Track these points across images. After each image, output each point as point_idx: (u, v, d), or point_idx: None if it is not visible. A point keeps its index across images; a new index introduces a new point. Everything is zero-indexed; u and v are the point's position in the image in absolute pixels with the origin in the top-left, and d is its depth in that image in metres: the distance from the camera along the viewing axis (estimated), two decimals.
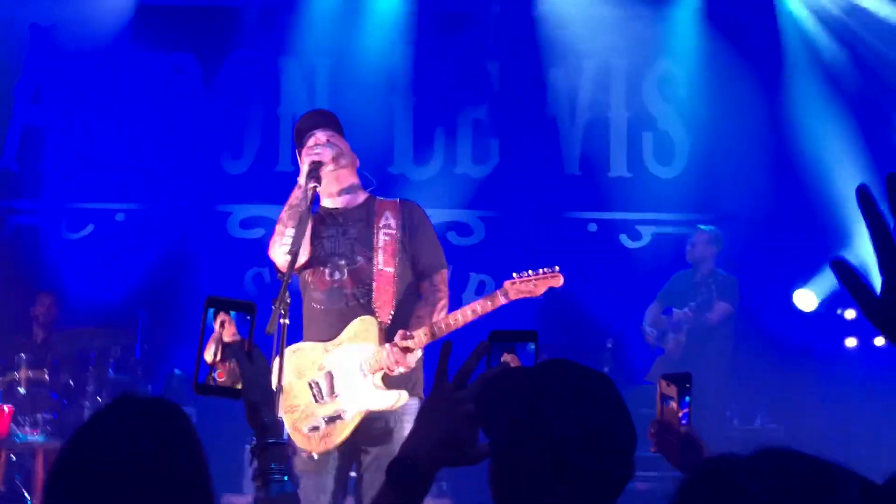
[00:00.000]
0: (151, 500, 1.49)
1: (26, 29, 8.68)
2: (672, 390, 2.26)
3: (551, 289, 3.89)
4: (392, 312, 3.92)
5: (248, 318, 1.94)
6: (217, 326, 1.90)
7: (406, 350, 3.78)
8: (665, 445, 2.26)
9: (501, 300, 3.83)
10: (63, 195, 8.51)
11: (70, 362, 7.18)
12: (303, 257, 3.91)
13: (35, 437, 5.48)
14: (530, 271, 3.85)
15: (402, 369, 3.82)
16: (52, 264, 8.32)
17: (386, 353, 3.80)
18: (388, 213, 4.04)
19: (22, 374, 6.78)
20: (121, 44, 8.49)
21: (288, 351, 3.79)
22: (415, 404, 3.91)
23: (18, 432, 5.42)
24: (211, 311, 1.93)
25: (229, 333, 1.91)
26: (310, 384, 3.87)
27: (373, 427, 3.86)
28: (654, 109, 8.49)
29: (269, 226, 7.78)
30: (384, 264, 3.94)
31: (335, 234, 4.02)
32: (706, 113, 8.29)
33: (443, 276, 4.04)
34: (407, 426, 3.86)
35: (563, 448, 1.55)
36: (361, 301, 3.91)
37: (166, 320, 7.64)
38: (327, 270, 3.97)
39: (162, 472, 1.51)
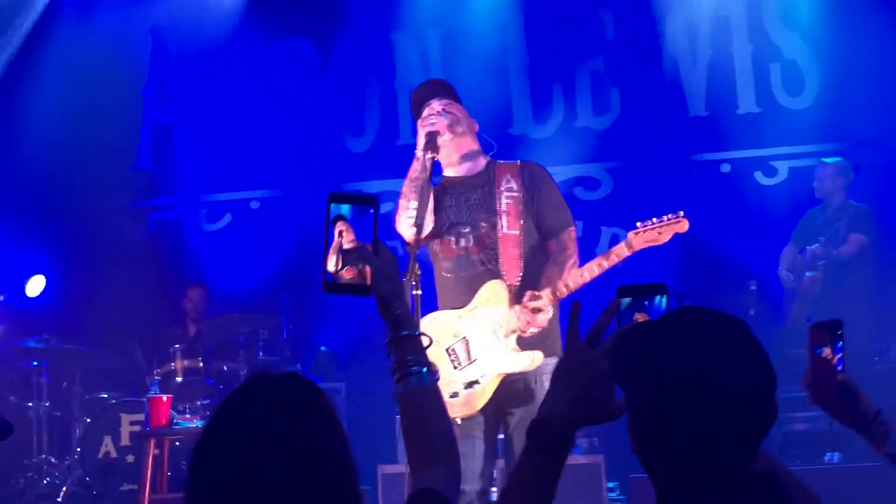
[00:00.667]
0: (289, 476, 1.46)
1: (147, 32, 9.04)
2: (823, 337, 2.19)
3: (683, 234, 3.84)
4: (520, 274, 3.91)
5: (371, 211, 1.88)
6: (336, 235, 1.86)
7: (535, 310, 3.78)
8: (820, 396, 2.18)
9: (627, 251, 3.79)
10: (198, 189, 8.85)
11: (222, 349, 7.47)
12: (428, 228, 3.94)
13: (195, 423, 5.74)
14: (654, 219, 3.81)
15: (534, 329, 3.81)
16: (195, 257, 8.67)
17: (516, 315, 3.81)
18: (508, 176, 4.02)
19: (178, 364, 7.09)
20: (237, 36, 8.74)
21: (424, 321, 3.84)
22: (552, 363, 3.89)
23: (179, 419, 5.69)
24: (333, 206, 1.87)
25: (349, 240, 1.86)
26: (447, 351, 3.91)
27: (514, 388, 3.88)
28: (779, 39, 8.21)
29: (396, 199, 7.95)
30: (508, 227, 3.93)
31: (457, 202, 4.03)
32: (834, 36, 7.97)
33: (570, 234, 4.00)
34: (547, 385, 3.88)
35: (699, 396, 1.54)
36: (489, 266, 3.92)
37: (308, 300, 7.86)
38: (453, 239, 3.98)
39: (296, 449, 1.48)
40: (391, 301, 1.89)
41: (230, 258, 8.58)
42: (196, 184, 8.84)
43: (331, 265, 1.86)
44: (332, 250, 1.86)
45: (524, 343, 3.87)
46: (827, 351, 2.18)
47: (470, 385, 3.84)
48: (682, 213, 3.83)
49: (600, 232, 8.19)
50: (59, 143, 8.58)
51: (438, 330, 3.89)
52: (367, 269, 1.86)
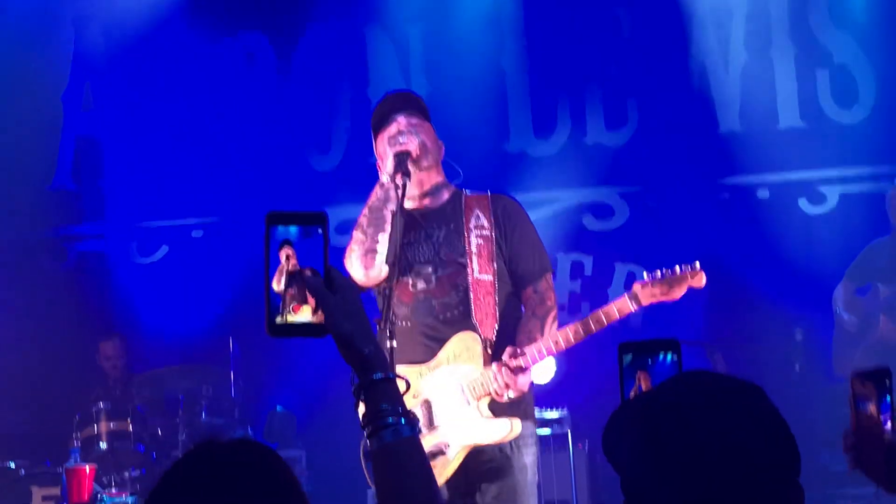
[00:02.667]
0: None
1: (69, 24, 9.04)
2: (869, 390, 2.20)
3: (711, 273, 3.92)
4: (496, 327, 3.97)
5: (320, 231, 1.86)
6: (283, 259, 1.84)
7: (518, 370, 3.82)
8: (864, 459, 2.20)
9: (631, 306, 3.87)
10: (129, 214, 8.85)
11: (156, 409, 7.45)
12: (383, 267, 3.96)
13: (122, 499, 5.74)
14: (666, 269, 3.89)
15: (512, 394, 3.85)
16: (124, 295, 8.66)
17: (493, 375, 3.84)
18: (478, 211, 4.11)
19: (102, 426, 7.07)
20: (179, 30, 8.76)
21: None
22: (530, 428, 3.98)
23: (104, 495, 5.70)
24: (274, 229, 1.86)
25: (294, 264, 1.84)
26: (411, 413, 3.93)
27: (487, 459, 3.91)
28: (828, 40, 8.33)
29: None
30: (480, 271, 3.99)
31: (417, 238, 4.07)
32: (893, 37, 8.11)
33: (549, 282, 4.10)
34: (526, 454, 3.94)
35: (708, 480, 1.54)
36: (454, 313, 3.97)
37: (261, 350, 7.86)
38: (410, 281, 4.01)
39: None
40: (355, 339, 1.87)
41: (167, 297, 8.57)
42: (126, 208, 8.84)
43: (276, 285, 1.85)
44: (277, 272, 1.85)
45: (495, 409, 3.90)
46: (872, 408, 2.19)
47: (432, 456, 3.83)
48: (698, 263, 3.92)
49: (614, 269, 8.25)
50: None
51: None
52: (319, 303, 1.85)
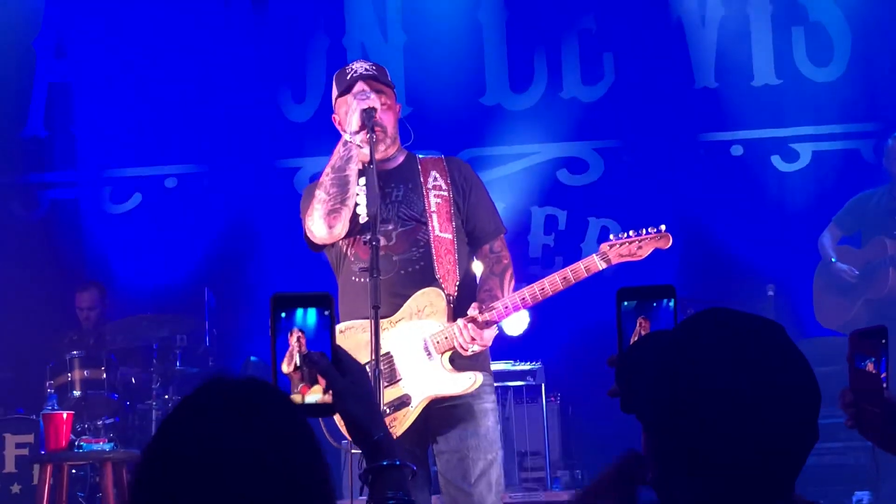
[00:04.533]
0: (269, 496, 1.47)
1: None
2: (867, 347, 2.17)
3: (686, 229, 4.01)
4: (457, 283, 4.06)
5: (326, 313, 1.92)
6: (293, 342, 1.89)
7: (485, 325, 3.92)
8: (862, 417, 2.17)
9: (600, 265, 3.96)
10: (102, 162, 8.79)
11: (129, 357, 7.49)
12: (346, 226, 4.02)
13: (101, 446, 5.76)
14: (632, 232, 3.99)
15: (476, 348, 3.93)
16: (97, 244, 8.62)
17: (458, 330, 3.91)
18: (434, 173, 4.18)
19: (75, 374, 7.08)
20: None
21: (337, 329, 3.91)
22: (488, 379, 4.07)
23: (82, 442, 5.72)
24: (280, 312, 1.91)
25: (303, 346, 1.89)
26: (366, 367, 4.03)
27: (447, 406, 3.99)
28: None
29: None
30: (441, 230, 4.07)
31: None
32: None
33: (502, 242, 4.22)
34: (486, 401, 4.03)
35: (736, 413, 1.56)
36: (415, 268, 4.04)
37: (236, 299, 7.89)
38: (369, 237, 4.00)
39: (276, 468, 1.49)
40: (366, 424, 1.91)
41: (140, 247, 8.54)
42: (99, 156, 8.79)
43: (286, 367, 1.89)
44: (285, 364, 1.89)
45: (456, 363, 3.99)
46: (870, 365, 2.16)
47: (393, 408, 3.93)
48: (664, 226, 4.00)
49: (587, 224, 8.30)
50: None
51: (355, 343, 3.92)
52: (330, 385, 1.89)
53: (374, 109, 3.98)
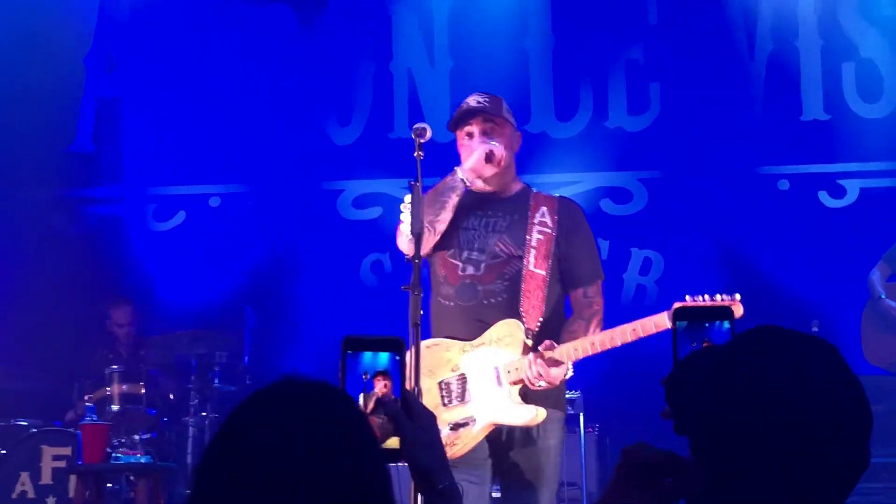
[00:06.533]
0: (323, 499, 1.47)
1: None
2: None
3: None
4: (541, 319, 4.14)
5: (397, 358, 1.91)
6: (380, 389, 1.89)
7: (552, 363, 3.99)
8: None
9: (669, 324, 3.94)
10: (148, 179, 8.86)
11: (168, 373, 7.56)
12: (431, 243, 4.17)
13: (137, 458, 5.78)
14: (706, 296, 4.00)
15: (543, 384, 4.00)
16: (139, 261, 8.68)
17: (528, 363, 3.99)
18: (544, 209, 4.28)
19: (114, 389, 7.13)
20: None
21: (423, 345, 3.96)
22: (558, 416, 4.16)
23: (119, 454, 5.75)
24: (352, 354, 1.92)
25: (390, 392, 1.89)
26: (440, 384, 4.13)
27: (511, 434, 4.10)
28: (855, 34, 8.33)
29: (387, 203, 8.08)
30: (535, 265, 4.18)
31: (477, 225, 4.26)
32: None
33: (598, 288, 4.29)
34: (550, 437, 4.12)
35: (791, 428, 1.56)
36: (497, 300, 4.14)
37: (276, 319, 7.91)
38: (460, 265, 4.21)
39: (340, 469, 1.49)
40: (432, 473, 1.90)
41: (183, 264, 8.60)
42: (145, 173, 8.85)
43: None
44: (370, 398, 1.90)
45: (525, 396, 4.07)
46: None
47: (457, 427, 4.04)
48: (738, 296, 4.00)
49: (630, 254, 8.28)
50: None
51: (436, 359, 4.10)
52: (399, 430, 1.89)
53: (492, 155, 4.15)
